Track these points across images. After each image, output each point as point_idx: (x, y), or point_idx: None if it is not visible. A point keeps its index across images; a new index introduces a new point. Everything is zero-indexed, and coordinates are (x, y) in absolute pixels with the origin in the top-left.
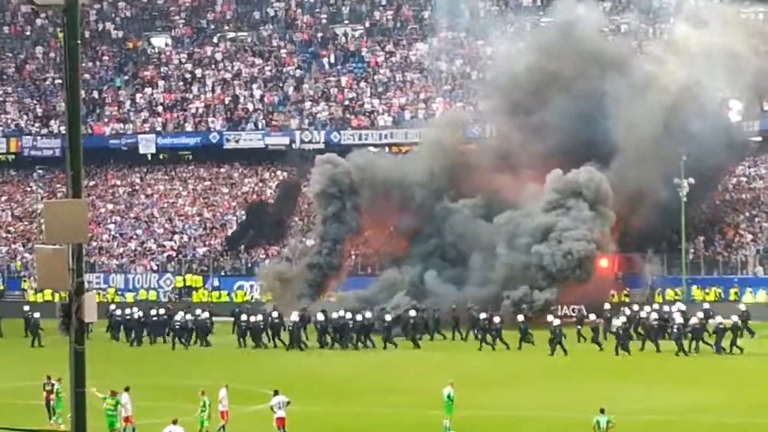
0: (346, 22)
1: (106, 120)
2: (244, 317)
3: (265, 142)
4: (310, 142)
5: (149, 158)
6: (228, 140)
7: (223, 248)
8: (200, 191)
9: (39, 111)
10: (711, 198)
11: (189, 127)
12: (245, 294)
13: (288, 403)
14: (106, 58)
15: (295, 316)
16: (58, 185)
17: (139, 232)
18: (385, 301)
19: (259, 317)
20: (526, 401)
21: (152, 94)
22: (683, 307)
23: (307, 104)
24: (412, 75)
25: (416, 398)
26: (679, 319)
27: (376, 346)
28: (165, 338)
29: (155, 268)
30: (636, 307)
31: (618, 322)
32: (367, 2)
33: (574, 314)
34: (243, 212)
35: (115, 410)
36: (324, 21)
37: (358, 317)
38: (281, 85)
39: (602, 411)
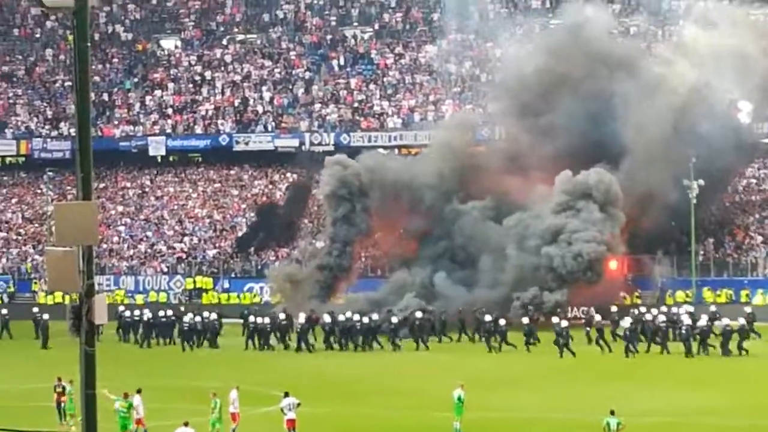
0: (356, 24)
1: (116, 122)
2: (251, 319)
3: (274, 144)
4: (319, 144)
5: (159, 160)
6: (238, 142)
7: (233, 250)
8: (210, 193)
9: (49, 113)
10: (721, 200)
11: (199, 130)
12: (254, 296)
13: (298, 404)
14: (115, 60)
15: (302, 318)
16: (69, 187)
17: (149, 234)
18: (395, 303)
19: (267, 319)
20: (534, 403)
21: (162, 97)
22: (691, 309)
23: (317, 106)
24: (421, 77)
25: (424, 400)
26: (687, 320)
27: (384, 347)
28: (174, 340)
29: (165, 270)
30: (643, 309)
31: (625, 324)
32: (376, 4)
33: (583, 316)
34: (253, 214)
35: (128, 412)
36: (333, 23)
37: (365, 319)
38: (291, 87)
39: (612, 413)
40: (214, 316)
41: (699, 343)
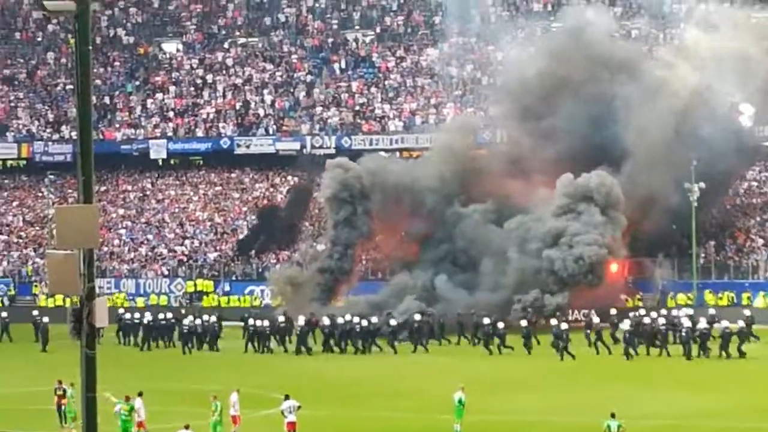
0: (357, 27)
1: (117, 125)
2: (251, 322)
3: (275, 147)
4: (320, 147)
5: (160, 163)
6: (239, 145)
7: (234, 253)
8: (211, 196)
9: (50, 116)
10: (722, 203)
11: (200, 133)
12: (255, 298)
13: (299, 407)
14: (117, 63)
15: (301, 321)
16: (70, 190)
17: (150, 237)
18: (396, 306)
19: (266, 322)
20: (535, 406)
21: (163, 100)
22: (691, 312)
23: (318, 109)
24: (422, 80)
25: (424, 402)
26: (687, 323)
27: (383, 350)
28: (174, 343)
29: (166, 273)
30: (642, 312)
31: (625, 326)
32: (377, 8)
33: (583, 319)
34: (254, 217)
35: (130, 415)
36: (335, 26)
37: (364, 322)
38: (292, 90)
39: (613, 415)
40: (213, 319)
41: (699, 346)
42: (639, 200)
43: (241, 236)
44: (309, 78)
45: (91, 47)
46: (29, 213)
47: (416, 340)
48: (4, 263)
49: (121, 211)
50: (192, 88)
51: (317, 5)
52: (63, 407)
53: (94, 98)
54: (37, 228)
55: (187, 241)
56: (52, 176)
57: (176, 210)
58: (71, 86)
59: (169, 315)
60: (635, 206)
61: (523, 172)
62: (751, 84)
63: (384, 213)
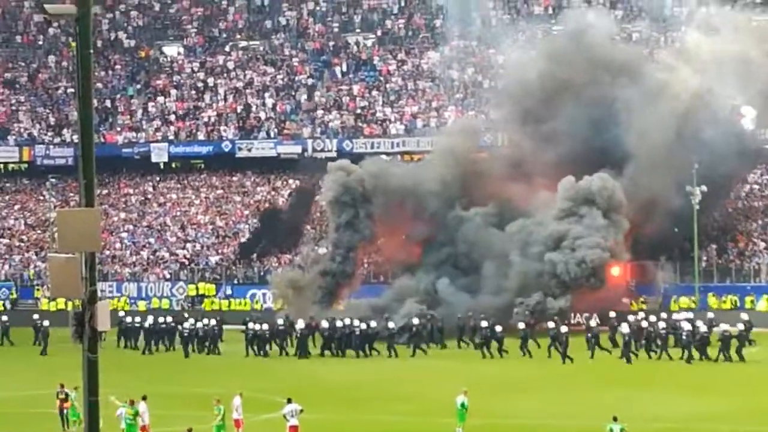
0: (358, 30)
1: (118, 129)
2: (250, 325)
3: (277, 150)
4: (322, 150)
5: (162, 167)
6: (240, 149)
7: (236, 256)
8: (213, 200)
9: (52, 120)
10: (723, 206)
11: (201, 136)
12: (256, 302)
13: (301, 411)
14: (118, 67)
15: (301, 324)
16: (71, 194)
17: (151, 240)
18: (398, 310)
19: (265, 326)
20: (536, 409)
21: (164, 103)
22: (690, 316)
23: (319, 113)
24: (424, 83)
25: (424, 406)
26: (687, 327)
27: (381, 353)
28: (175, 346)
29: (168, 276)
30: (641, 315)
31: (624, 329)
32: (378, 11)
33: (584, 322)
34: (256, 220)
35: (134, 419)
36: (336, 30)
37: (363, 325)
38: (293, 93)
39: (615, 419)
40: (213, 322)
41: (697, 349)
42: (641, 203)
43: (242, 240)
44: (310, 81)
45: (92, 50)
46: (31, 216)
47: (416, 344)
48: (6, 267)
49: (122, 215)
50: (193, 92)
51: (318, 8)
52: (65, 411)
53: (95, 101)
54: (39, 231)
55: (188, 245)
56: (53, 180)
57: (178, 213)
58: (72, 89)
59: (169, 319)
60: (637, 209)
61: (525, 175)
62: (752, 87)
63: (386, 216)
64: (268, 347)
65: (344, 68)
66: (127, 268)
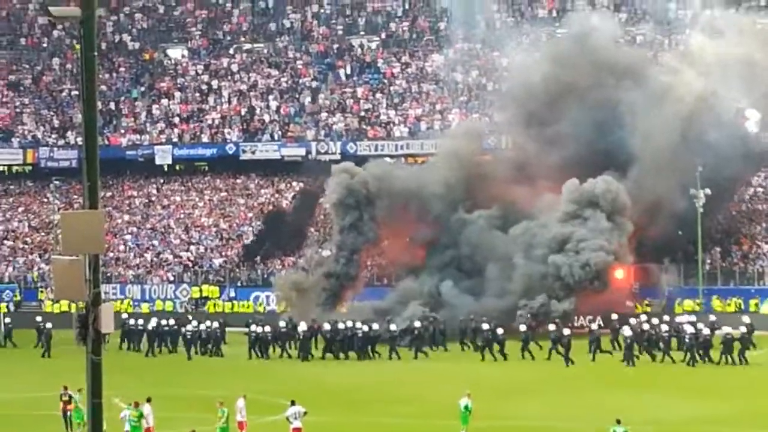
0: (362, 33)
1: (122, 131)
2: (252, 328)
3: (281, 153)
4: (326, 153)
5: (165, 169)
6: (244, 151)
7: (240, 259)
8: (216, 202)
9: (56, 122)
10: (727, 209)
11: (205, 139)
12: (260, 304)
13: (305, 413)
14: (122, 69)
15: (303, 327)
16: (75, 196)
17: (155, 242)
18: (401, 312)
19: (267, 328)
20: (538, 411)
21: (169, 106)
22: (693, 318)
23: (323, 115)
24: (428, 86)
25: (426, 408)
26: (690, 330)
27: (382, 356)
28: (178, 348)
29: (171, 278)
30: (643, 318)
31: (626, 332)
32: (383, 14)
33: (587, 325)
34: (260, 223)
35: (139, 421)
36: (340, 32)
37: (365, 328)
38: (297, 96)
39: (618, 422)
40: (215, 324)
41: (697, 351)
42: (645, 206)
43: (246, 242)
44: (314, 84)
45: (96, 53)
46: (35, 219)
47: (417, 347)
48: (10, 269)
49: (126, 217)
50: (197, 94)
51: (322, 11)
52: (69, 413)
53: (99, 104)
54: (43, 234)
55: (192, 247)
56: (57, 182)
57: (181, 216)
58: (76, 92)
59: (172, 321)
60: (641, 212)
61: (529, 177)
62: (756, 90)
63: (389, 219)
64: (270, 349)
65: (348, 71)
66: (131, 270)
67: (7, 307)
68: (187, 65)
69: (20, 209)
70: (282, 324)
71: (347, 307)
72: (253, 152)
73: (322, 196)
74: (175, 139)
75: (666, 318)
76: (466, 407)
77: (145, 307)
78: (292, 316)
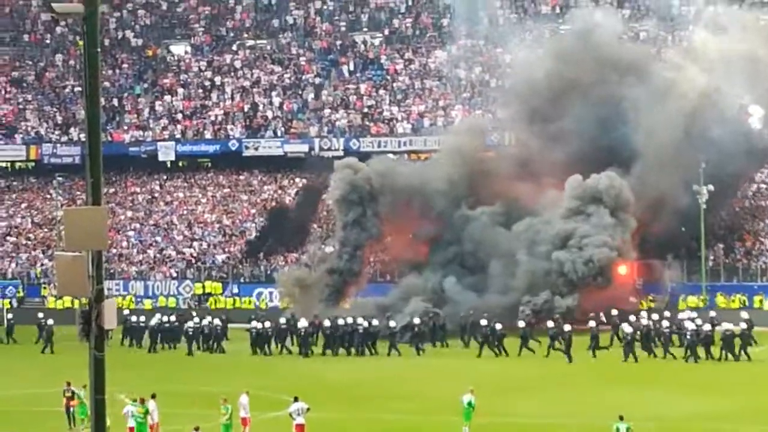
0: (365, 29)
1: (125, 127)
2: (253, 324)
3: (284, 149)
4: (329, 149)
5: (169, 165)
6: (247, 147)
7: (243, 255)
8: (219, 198)
9: (59, 119)
10: (730, 205)
11: (208, 135)
12: (262, 301)
13: (308, 409)
14: (125, 65)
15: (304, 323)
16: (78, 192)
17: (158, 239)
18: (404, 308)
19: (267, 324)
20: (540, 408)
21: (172, 102)
22: (694, 315)
23: (327, 111)
24: (431, 82)
25: (426, 404)
26: (690, 326)
27: (381, 353)
28: (176, 345)
29: (174, 275)
30: (644, 314)
31: (627, 329)
32: (386, 10)
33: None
34: (262, 219)
35: (145, 418)
36: (343, 29)
37: (365, 324)
38: (300, 92)
39: (621, 418)
40: (217, 321)
41: (694, 347)
42: (648, 202)
43: (249, 238)
44: (317, 80)
45: (99, 49)
46: (38, 215)
47: (417, 343)
48: (13, 265)
49: (129, 213)
50: (200, 90)
51: (325, 7)
52: (71, 409)
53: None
54: (46, 230)
55: (195, 243)
56: (60, 178)
57: (184, 212)
58: (79, 88)
59: (173, 318)
60: (644, 208)
61: (532, 174)
62: (759, 86)
63: (393, 215)
64: (272, 345)
65: (351, 67)
66: (134, 266)
67: (10, 303)
68: (190, 61)
69: (23, 205)
70: (282, 320)
71: (350, 304)
72: (256, 148)
73: (325, 193)
74: (178, 136)
75: (667, 314)
76: (469, 403)
77: (148, 304)
78: (294, 313)
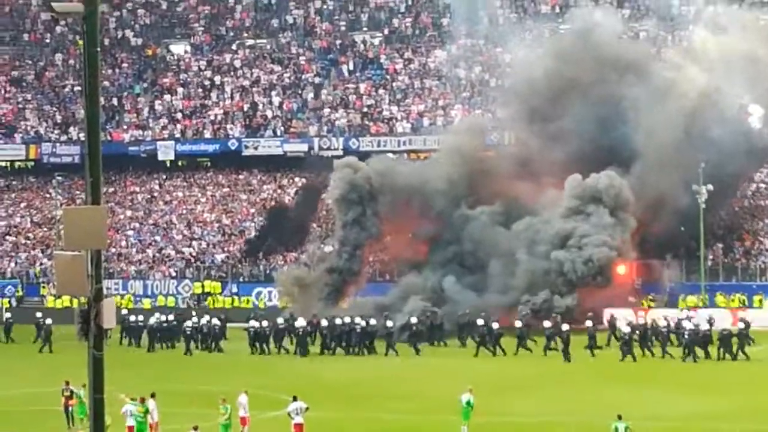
0: (365, 29)
1: (125, 127)
2: (252, 323)
3: (283, 148)
4: (328, 148)
5: (168, 165)
6: (247, 147)
7: (242, 254)
8: (219, 198)
9: (58, 118)
10: (730, 204)
11: (208, 134)
12: (261, 300)
13: (306, 409)
14: (125, 65)
15: (302, 322)
16: (77, 192)
17: (157, 238)
18: (403, 308)
19: (265, 323)
20: (539, 407)
21: (171, 101)
22: (692, 314)
23: (326, 111)
24: (430, 82)
25: (424, 404)
26: (688, 326)
27: (379, 353)
28: (175, 344)
29: (174, 274)
30: (641, 313)
31: (625, 328)
32: (385, 9)
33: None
34: (262, 218)
35: (145, 417)
36: (343, 28)
37: (363, 323)
38: (300, 92)
39: (620, 417)
40: (215, 320)
41: (692, 346)
42: (648, 201)
43: (248, 237)
44: (317, 80)
45: (99, 49)
46: (37, 214)
47: (415, 343)
48: (12, 264)
49: (128, 213)
50: (200, 90)
51: (325, 7)
52: (70, 408)
53: (102, 100)
54: (45, 229)
55: (194, 243)
56: (59, 177)
57: (184, 211)
58: (79, 88)
59: (171, 317)
60: (644, 208)
61: (532, 173)
62: (759, 86)
63: (392, 214)
64: (270, 345)
65: (351, 67)
66: (133, 265)
67: (9, 302)
68: (189, 61)
69: (23, 205)
70: (281, 320)
71: (349, 303)
72: (256, 148)
73: (324, 192)
74: (178, 135)
75: (664, 314)
76: (468, 403)
77: (147, 303)
78: (293, 312)
